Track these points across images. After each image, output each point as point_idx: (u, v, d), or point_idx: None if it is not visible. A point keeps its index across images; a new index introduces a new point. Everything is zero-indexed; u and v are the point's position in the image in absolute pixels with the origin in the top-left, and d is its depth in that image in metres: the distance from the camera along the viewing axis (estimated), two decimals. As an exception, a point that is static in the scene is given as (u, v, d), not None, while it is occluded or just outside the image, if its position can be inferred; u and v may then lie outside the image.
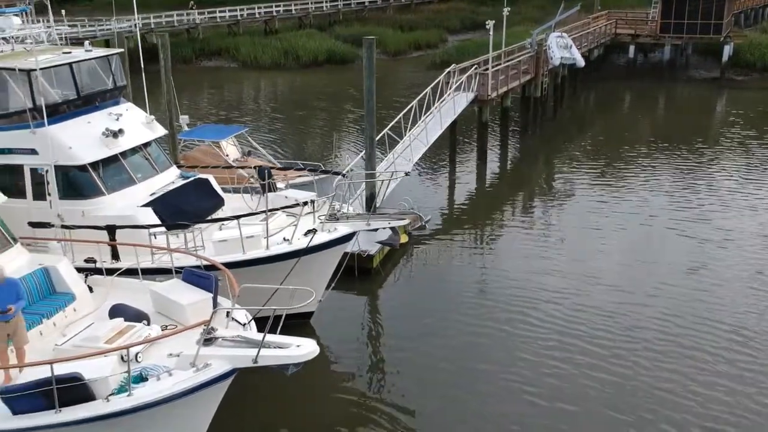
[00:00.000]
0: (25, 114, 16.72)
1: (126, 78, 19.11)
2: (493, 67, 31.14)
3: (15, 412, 10.24)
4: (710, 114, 42.26)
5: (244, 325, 12.03)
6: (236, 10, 67.24)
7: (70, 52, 17.79)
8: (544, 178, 29.65)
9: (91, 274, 14.60)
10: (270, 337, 11.08)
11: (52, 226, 16.01)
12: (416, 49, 66.83)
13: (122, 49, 19.31)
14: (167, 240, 15.54)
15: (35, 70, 16.35)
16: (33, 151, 16.73)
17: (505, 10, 34.80)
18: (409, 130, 26.50)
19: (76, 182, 16.79)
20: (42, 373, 10.24)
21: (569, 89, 42.99)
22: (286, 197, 18.45)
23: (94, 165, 16.87)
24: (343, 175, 18.84)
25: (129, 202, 17.03)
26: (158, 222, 16.47)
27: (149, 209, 16.74)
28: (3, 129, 16.86)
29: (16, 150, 16.72)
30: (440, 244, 22.41)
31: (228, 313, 12.44)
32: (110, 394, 10.30)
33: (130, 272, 14.74)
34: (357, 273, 19.26)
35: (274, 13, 70.44)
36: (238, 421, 13.71)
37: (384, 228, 16.29)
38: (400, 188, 23.31)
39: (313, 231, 15.78)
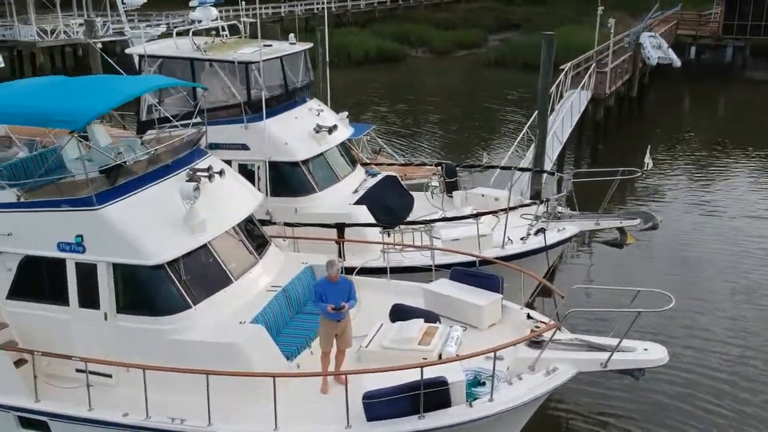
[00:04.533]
0: (236, 108, 16.28)
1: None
2: (603, 65, 30.89)
3: (371, 418, 9.82)
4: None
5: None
6: (279, 8, 66.72)
7: (271, 45, 17.34)
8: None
9: None
10: (605, 340, 10.77)
11: (275, 223, 15.55)
12: (461, 47, 66.46)
13: (311, 44, 18.76)
14: (393, 237, 15.20)
15: (253, 63, 15.90)
16: (243, 147, 16.30)
17: (600, 9, 34.54)
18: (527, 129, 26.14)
19: (288, 179, 16.37)
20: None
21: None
22: (482, 195, 18.08)
23: (305, 161, 16.47)
24: (552, 174, 18.46)
25: (339, 200, 16.63)
26: (372, 220, 16.10)
27: (364, 207, 16.33)
28: (212, 124, 16.36)
29: (224, 145, 16.21)
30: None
31: (529, 315, 12.12)
32: (473, 399, 9.92)
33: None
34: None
35: (315, 11, 69.92)
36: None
37: (611, 228, 15.95)
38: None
39: (543, 230, 15.44)
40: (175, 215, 11.37)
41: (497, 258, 14.21)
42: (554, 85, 27.93)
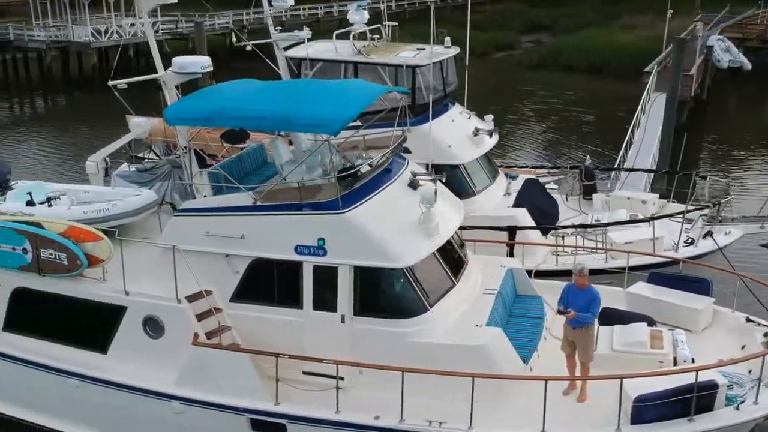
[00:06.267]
0: (394, 111, 16.29)
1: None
2: (687, 69, 30.97)
3: (638, 421, 9.89)
4: None
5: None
6: (316, 8, 66.74)
7: (423, 49, 17.39)
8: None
9: None
10: None
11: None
12: (497, 49, 66.58)
13: (458, 48, 18.73)
14: (554, 240, 15.33)
15: (421, 66, 15.96)
16: (405, 150, 16.28)
17: (669, 12, 34.69)
18: (630, 131, 26.27)
19: (450, 182, 16.30)
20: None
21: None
22: (628, 198, 18.14)
23: (466, 164, 16.53)
24: (704, 178, 18.52)
25: (495, 203, 16.71)
26: (533, 223, 16.19)
27: (524, 210, 16.41)
28: (371, 127, 16.40)
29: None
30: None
31: (748, 318, 12.20)
32: (739, 402, 9.99)
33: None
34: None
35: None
36: None
37: (774, 231, 16.05)
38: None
39: (710, 233, 15.54)
40: (408, 219, 11.42)
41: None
42: (646, 90, 28.10)
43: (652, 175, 22.20)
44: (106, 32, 47.36)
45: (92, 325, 12.30)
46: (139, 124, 17.52)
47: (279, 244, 11.29)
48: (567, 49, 57.54)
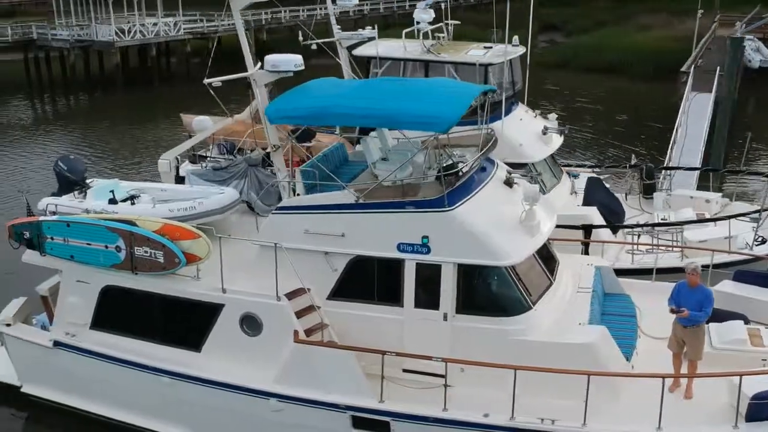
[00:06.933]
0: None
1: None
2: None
3: (755, 418, 9.92)
4: None
5: None
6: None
7: (490, 47, 17.40)
8: None
9: None
10: None
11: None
12: (514, 49, 66.43)
13: (524, 48, 18.70)
14: (625, 238, 15.35)
15: (494, 65, 15.97)
16: (477, 148, 16.33)
17: (699, 12, 34.68)
18: (676, 131, 26.30)
19: (520, 179, 16.40)
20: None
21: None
22: (691, 197, 18.17)
23: (535, 163, 16.55)
24: None
25: (564, 202, 16.71)
26: (604, 222, 16.20)
27: (594, 208, 16.42)
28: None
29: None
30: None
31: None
32: None
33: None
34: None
35: (365, 11, 70.22)
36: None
37: None
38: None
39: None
40: (510, 216, 11.44)
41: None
42: (687, 91, 28.12)
43: (697, 173, 22.15)
44: (129, 32, 47.29)
45: (186, 322, 12.29)
46: (204, 123, 17.60)
47: (381, 242, 11.30)
48: (584, 49, 57.59)
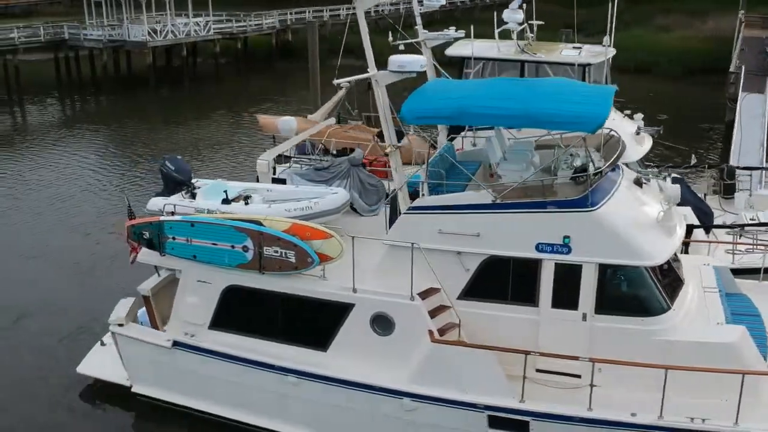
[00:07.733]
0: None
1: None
2: None
3: None
4: None
5: None
6: (344, 10, 67.06)
7: (581, 47, 17.42)
8: None
9: None
10: None
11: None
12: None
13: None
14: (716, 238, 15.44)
15: (592, 64, 15.99)
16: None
17: (741, 14, 34.72)
18: (736, 134, 26.35)
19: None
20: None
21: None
22: None
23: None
24: None
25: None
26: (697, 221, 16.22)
27: (689, 208, 16.42)
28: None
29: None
30: None
31: None
32: None
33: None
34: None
35: (383, 13, 70.14)
36: None
37: None
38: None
39: None
40: (647, 216, 11.46)
41: None
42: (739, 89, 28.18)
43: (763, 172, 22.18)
44: (161, 32, 47.29)
45: (313, 322, 12.29)
46: (290, 123, 17.61)
47: (518, 242, 11.30)
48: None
